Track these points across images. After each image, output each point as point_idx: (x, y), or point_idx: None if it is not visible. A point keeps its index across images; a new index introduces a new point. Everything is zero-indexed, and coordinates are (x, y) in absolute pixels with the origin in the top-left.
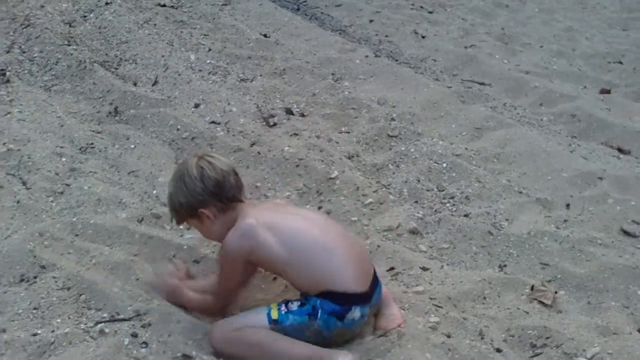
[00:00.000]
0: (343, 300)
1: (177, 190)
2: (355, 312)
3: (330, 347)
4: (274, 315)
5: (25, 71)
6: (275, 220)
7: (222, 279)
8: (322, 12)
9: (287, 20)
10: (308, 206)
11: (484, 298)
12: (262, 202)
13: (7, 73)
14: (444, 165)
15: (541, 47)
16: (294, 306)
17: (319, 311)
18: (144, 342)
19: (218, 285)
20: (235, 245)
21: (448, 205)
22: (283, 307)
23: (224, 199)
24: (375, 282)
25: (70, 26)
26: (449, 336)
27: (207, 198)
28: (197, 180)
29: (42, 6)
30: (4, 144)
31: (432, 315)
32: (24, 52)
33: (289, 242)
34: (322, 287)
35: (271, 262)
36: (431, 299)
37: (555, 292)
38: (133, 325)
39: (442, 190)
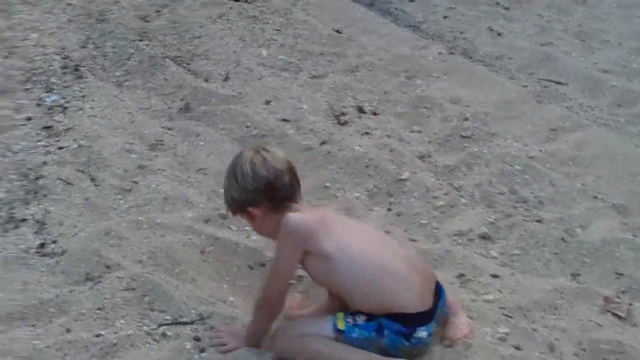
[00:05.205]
0: (408, 321)
1: (229, 185)
2: (421, 332)
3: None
4: (341, 325)
5: (98, 67)
6: (335, 231)
7: (276, 262)
8: (395, 7)
9: (360, 16)
10: (377, 208)
11: (556, 308)
12: (319, 207)
13: (81, 69)
14: (518, 167)
15: (620, 44)
16: (361, 320)
17: (385, 330)
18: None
19: (270, 271)
20: (295, 225)
21: (521, 209)
22: (350, 319)
23: (274, 200)
24: (438, 293)
25: (144, 21)
26: (518, 348)
27: (257, 197)
28: (249, 178)
29: (117, 1)
30: (75, 140)
31: (502, 326)
32: (98, 48)
33: (351, 263)
34: (386, 310)
35: (322, 268)
36: (501, 308)
37: (630, 304)
38: (196, 329)
39: (515, 194)
